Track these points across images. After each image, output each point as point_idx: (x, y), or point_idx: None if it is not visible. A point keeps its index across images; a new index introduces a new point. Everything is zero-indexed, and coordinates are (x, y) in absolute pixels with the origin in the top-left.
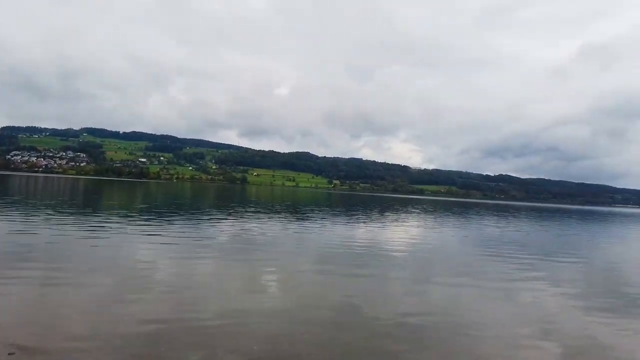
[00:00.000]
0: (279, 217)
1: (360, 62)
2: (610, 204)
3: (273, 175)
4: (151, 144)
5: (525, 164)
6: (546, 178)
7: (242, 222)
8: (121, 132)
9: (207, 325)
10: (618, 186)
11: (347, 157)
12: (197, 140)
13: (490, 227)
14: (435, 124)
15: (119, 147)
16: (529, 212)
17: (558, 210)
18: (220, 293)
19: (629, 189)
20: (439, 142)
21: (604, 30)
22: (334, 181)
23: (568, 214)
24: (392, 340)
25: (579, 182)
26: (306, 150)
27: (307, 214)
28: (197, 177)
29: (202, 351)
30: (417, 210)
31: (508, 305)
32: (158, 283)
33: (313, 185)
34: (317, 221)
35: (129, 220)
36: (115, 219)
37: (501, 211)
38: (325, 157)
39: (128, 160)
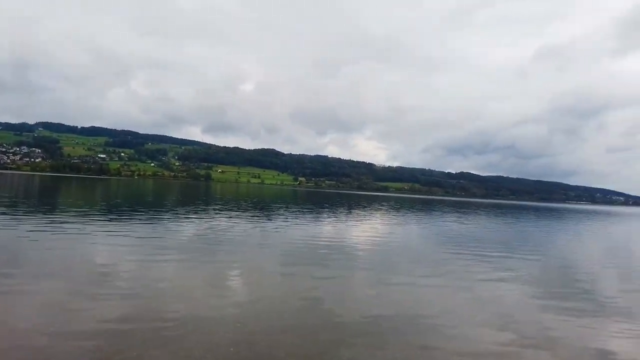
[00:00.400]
0: (245, 215)
1: (327, 58)
2: (564, 201)
3: (238, 172)
4: (111, 140)
5: (485, 161)
6: (505, 175)
7: (207, 220)
8: (79, 127)
9: (168, 327)
10: (571, 183)
11: (313, 154)
12: (160, 136)
13: (452, 224)
14: (399, 121)
15: (77, 143)
16: (488, 209)
17: (516, 207)
18: (183, 294)
19: (581, 186)
20: (403, 140)
21: (560, 32)
22: (300, 178)
23: (525, 210)
24: (357, 338)
25: (536, 179)
26: (272, 147)
27: (273, 212)
28: (159, 174)
29: (165, 355)
30: (382, 208)
31: (469, 300)
32: (118, 286)
33: (279, 182)
34: (283, 219)
35: (89, 220)
36: (73, 218)
37: (462, 208)
38: (291, 154)
39: (87, 157)
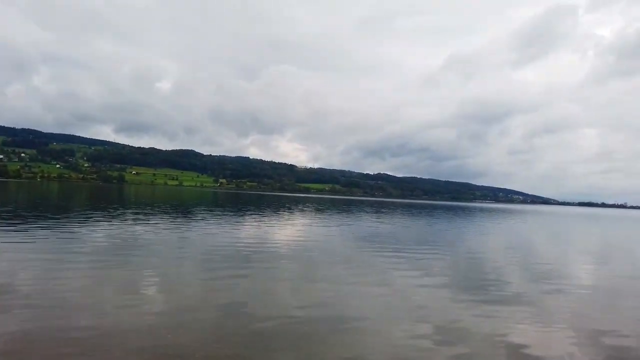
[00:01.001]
0: (162, 219)
1: (247, 59)
2: (471, 200)
3: (154, 174)
4: (10, 139)
5: (401, 163)
6: (419, 177)
7: (119, 225)
8: None
9: (74, 342)
10: (478, 184)
11: (234, 155)
12: (66, 135)
13: (370, 223)
14: (320, 124)
15: None
16: (404, 208)
17: (429, 206)
18: (92, 305)
19: (486, 187)
20: (324, 142)
21: (467, 43)
22: (220, 180)
23: (437, 209)
24: (278, 341)
25: (446, 180)
26: (190, 148)
27: (192, 215)
28: (66, 176)
29: None
30: (304, 209)
31: (387, 296)
32: (16, 297)
33: (198, 184)
34: (203, 222)
35: None
36: None
37: (380, 208)
38: (211, 155)
39: None
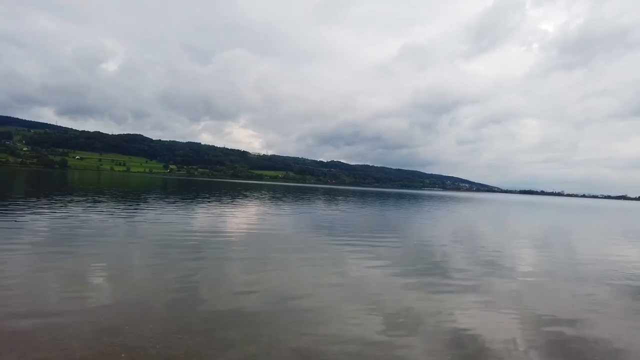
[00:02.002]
0: (108, 205)
1: (200, 42)
2: (421, 187)
3: (100, 159)
4: None
5: (355, 151)
6: (370, 164)
7: (64, 212)
8: None
9: (14, 337)
10: (427, 172)
11: (185, 141)
12: (3, 117)
13: (324, 211)
14: (274, 110)
15: None
16: (356, 196)
17: (380, 193)
18: (31, 295)
19: (435, 175)
20: (278, 129)
21: (421, 33)
22: (171, 166)
23: (388, 196)
24: (230, 330)
25: (397, 168)
26: (139, 133)
27: (141, 201)
28: (2, 160)
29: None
30: (257, 196)
31: (341, 283)
32: None
33: (147, 170)
34: (152, 209)
35: None
36: None
37: (333, 195)
38: (160, 140)
39: None
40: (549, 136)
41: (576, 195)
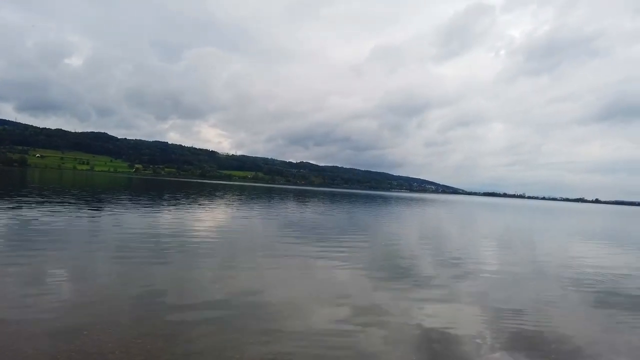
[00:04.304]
0: (70, 205)
1: (170, 39)
2: (388, 189)
3: (62, 158)
4: None
5: (324, 152)
6: (340, 166)
7: (22, 212)
8: None
9: None
10: (395, 174)
11: (151, 140)
12: None
13: (293, 211)
14: (244, 110)
15: None
16: (325, 197)
17: (349, 194)
18: None
19: (403, 177)
20: (248, 129)
21: (393, 35)
22: (136, 165)
23: (357, 198)
24: (193, 329)
25: (366, 169)
26: (103, 131)
27: (104, 202)
28: None
29: None
30: (226, 196)
31: (309, 283)
32: None
33: (111, 169)
34: (116, 209)
35: None
36: None
37: (303, 196)
38: (126, 138)
39: None
40: (514, 140)
41: (537, 198)
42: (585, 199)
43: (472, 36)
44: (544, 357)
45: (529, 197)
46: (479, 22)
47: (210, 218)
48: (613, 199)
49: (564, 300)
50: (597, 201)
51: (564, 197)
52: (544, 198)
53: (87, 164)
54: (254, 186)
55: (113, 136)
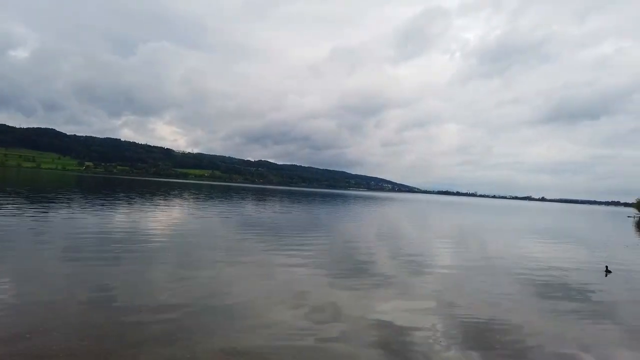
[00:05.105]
0: (15, 205)
1: (123, 32)
2: (346, 188)
3: (5, 154)
4: None
5: (283, 151)
6: (298, 164)
7: None
8: None
9: None
10: (353, 172)
11: (103, 136)
12: None
13: (251, 210)
14: (201, 107)
15: None
16: (284, 196)
17: (308, 193)
18: None
19: (360, 175)
20: (205, 126)
21: (352, 36)
22: (87, 163)
23: (316, 196)
24: (146, 327)
25: (324, 168)
26: (51, 127)
27: (52, 200)
28: None
29: None
30: (181, 195)
31: (264, 281)
32: None
33: (60, 167)
34: (65, 208)
35: None
36: None
37: (261, 195)
38: (75, 135)
39: None
40: (467, 140)
41: (487, 196)
42: (533, 197)
43: (428, 39)
44: (490, 348)
45: (480, 196)
46: (435, 25)
47: (166, 218)
48: (558, 197)
49: (512, 293)
50: (543, 199)
51: (513, 195)
52: (494, 196)
53: (33, 161)
54: (212, 185)
55: (62, 132)
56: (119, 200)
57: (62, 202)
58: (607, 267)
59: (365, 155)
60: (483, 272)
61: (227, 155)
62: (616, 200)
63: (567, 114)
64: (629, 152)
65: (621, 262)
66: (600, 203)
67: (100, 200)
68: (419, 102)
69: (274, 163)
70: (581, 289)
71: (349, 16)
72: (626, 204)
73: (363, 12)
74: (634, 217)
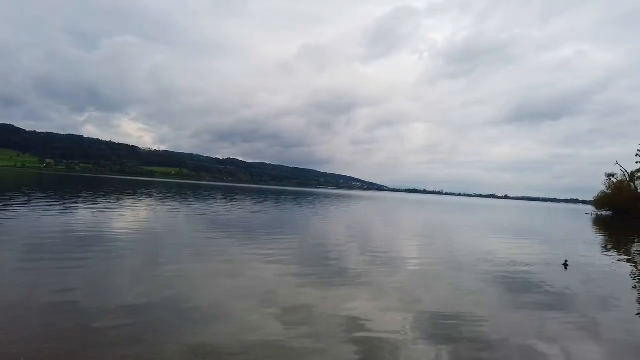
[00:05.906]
0: None
1: (86, 26)
2: (316, 186)
3: None
4: None
5: (252, 149)
6: (268, 162)
7: None
8: None
9: None
10: (322, 170)
11: (64, 133)
12: None
13: (219, 209)
14: (168, 104)
15: None
16: (253, 194)
17: (277, 191)
18: None
19: (330, 174)
20: (172, 123)
21: (322, 34)
22: (47, 160)
23: (285, 195)
24: (110, 329)
25: (294, 166)
26: (9, 122)
27: (10, 199)
28: None
29: None
30: (147, 193)
31: (233, 281)
32: None
33: (18, 164)
34: (24, 207)
35: None
36: None
37: (230, 193)
38: (35, 131)
39: None
40: (434, 139)
41: (453, 194)
42: (497, 195)
43: (397, 38)
44: (457, 341)
45: (447, 194)
46: (404, 25)
47: (131, 217)
48: (520, 195)
49: (477, 288)
50: (506, 197)
51: (478, 193)
52: (459, 194)
53: None
54: (179, 183)
55: (20, 128)
56: (82, 198)
57: (21, 201)
58: (566, 261)
59: (335, 153)
60: (449, 268)
61: (195, 153)
62: (575, 198)
63: (530, 115)
64: (587, 152)
65: (579, 257)
66: (560, 201)
67: (63, 199)
68: (388, 101)
69: (243, 161)
70: (542, 283)
71: (319, 14)
72: (584, 202)
73: (333, 10)
74: (592, 214)
